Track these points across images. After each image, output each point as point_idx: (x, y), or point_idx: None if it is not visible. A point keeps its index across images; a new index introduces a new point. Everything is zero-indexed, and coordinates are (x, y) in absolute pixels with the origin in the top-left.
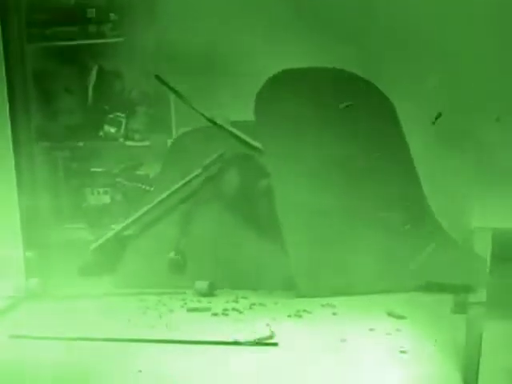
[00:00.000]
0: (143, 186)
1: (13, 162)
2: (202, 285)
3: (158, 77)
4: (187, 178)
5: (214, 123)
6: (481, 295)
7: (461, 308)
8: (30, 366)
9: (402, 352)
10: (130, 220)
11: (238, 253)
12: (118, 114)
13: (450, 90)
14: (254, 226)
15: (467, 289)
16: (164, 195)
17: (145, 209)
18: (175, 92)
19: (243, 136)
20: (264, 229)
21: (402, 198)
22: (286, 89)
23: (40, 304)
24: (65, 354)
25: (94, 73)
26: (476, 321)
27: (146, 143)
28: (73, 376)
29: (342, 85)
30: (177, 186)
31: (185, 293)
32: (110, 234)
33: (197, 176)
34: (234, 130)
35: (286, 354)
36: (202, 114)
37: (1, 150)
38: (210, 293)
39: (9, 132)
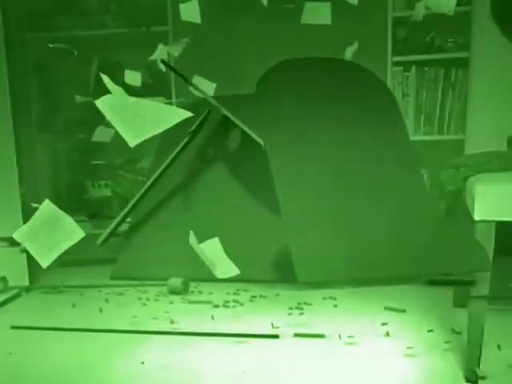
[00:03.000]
0: (145, 179)
1: (14, 154)
2: (176, 282)
3: (163, 61)
4: (177, 149)
5: (220, 111)
6: (483, 289)
7: (462, 301)
8: (32, 357)
9: (403, 345)
10: (128, 207)
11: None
12: None
13: None
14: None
15: (469, 283)
16: (159, 170)
17: (141, 191)
18: (182, 77)
19: (247, 129)
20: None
21: (403, 191)
22: (286, 77)
23: (40, 295)
24: (66, 344)
25: (94, 64)
26: (478, 315)
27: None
28: (75, 367)
29: (344, 75)
30: (169, 159)
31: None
32: (113, 225)
33: (186, 144)
34: (239, 122)
35: (286, 347)
36: (209, 101)
37: (2, 142)
38: (183, 290)
39: (10, 123)
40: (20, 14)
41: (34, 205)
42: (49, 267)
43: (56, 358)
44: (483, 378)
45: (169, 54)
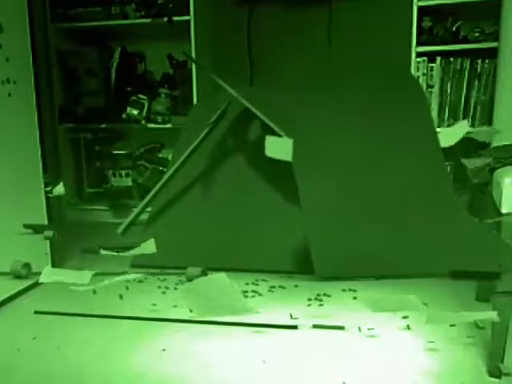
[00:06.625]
0: (165, 169)
1: (38, 143)
2: (195, 271)
3: (185, 53)
4: (197, 141)
5: (241, 103)
6: (508, 284)
7: (486, 295)
8: (55, 342)
9: (424, 339)
10: (149, 197)
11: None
12: (141, 96)
13: None
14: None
15: (494, 277)
16: (179, 161)
17: (162, 181)
18: (203, 68)
19: (268, 121)
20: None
21: (427, 185)
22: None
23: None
24: (88, 330)
25: (116, 54)
26: (503, 310)
27: (169, 125)
28: (97, 352)
29: (372, 67)
30: (189, 150)
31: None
32: (133, 214)
33: (206, 135)
34: (259, 114)
35: (305, 338)
36: (230, 93)
37: (27, 131)
38: None
39: (35, 113)
40: (43, 4)
41: (53, 193)
42: (71, 254)
43: (78, 343)
44: (507, 374)
45: (190, 45)
